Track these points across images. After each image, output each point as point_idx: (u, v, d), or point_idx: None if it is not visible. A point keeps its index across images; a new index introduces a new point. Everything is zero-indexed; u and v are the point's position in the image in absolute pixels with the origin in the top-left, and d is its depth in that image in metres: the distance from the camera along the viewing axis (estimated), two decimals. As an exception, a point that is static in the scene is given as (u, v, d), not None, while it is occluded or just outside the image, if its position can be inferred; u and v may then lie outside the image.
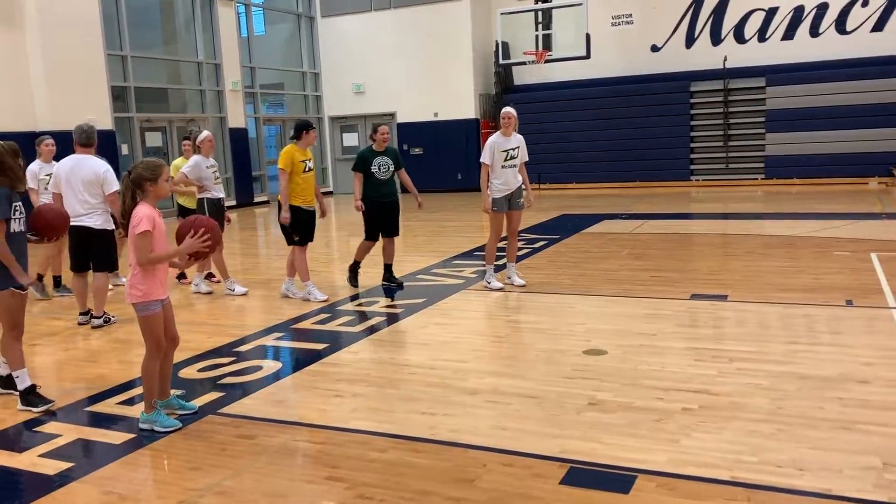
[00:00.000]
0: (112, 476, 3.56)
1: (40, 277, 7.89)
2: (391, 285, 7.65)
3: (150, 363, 4.08)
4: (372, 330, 6.04)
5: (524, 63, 17.62)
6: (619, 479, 3.27)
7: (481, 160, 7.24)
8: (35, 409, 4.42)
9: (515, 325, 6.14)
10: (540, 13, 16.77)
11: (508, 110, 7.26)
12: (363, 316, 6.51)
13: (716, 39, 18.03)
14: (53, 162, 7.46)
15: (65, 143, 7.55)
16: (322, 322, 6.36)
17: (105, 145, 12.15)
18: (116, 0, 15.21)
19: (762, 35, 17.65)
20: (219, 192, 7.75)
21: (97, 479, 3.52)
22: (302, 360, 5.32)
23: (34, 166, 7.75)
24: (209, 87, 17.53)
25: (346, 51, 20.53)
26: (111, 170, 6.47)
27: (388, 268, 7.77)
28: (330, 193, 21.32)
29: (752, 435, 3.66)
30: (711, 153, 18.08)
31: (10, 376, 4.66)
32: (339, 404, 4.37)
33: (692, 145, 18.20)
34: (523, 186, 7.44)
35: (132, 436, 4.01)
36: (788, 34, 17.45)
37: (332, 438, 3.88)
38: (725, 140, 17.78)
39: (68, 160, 6.35)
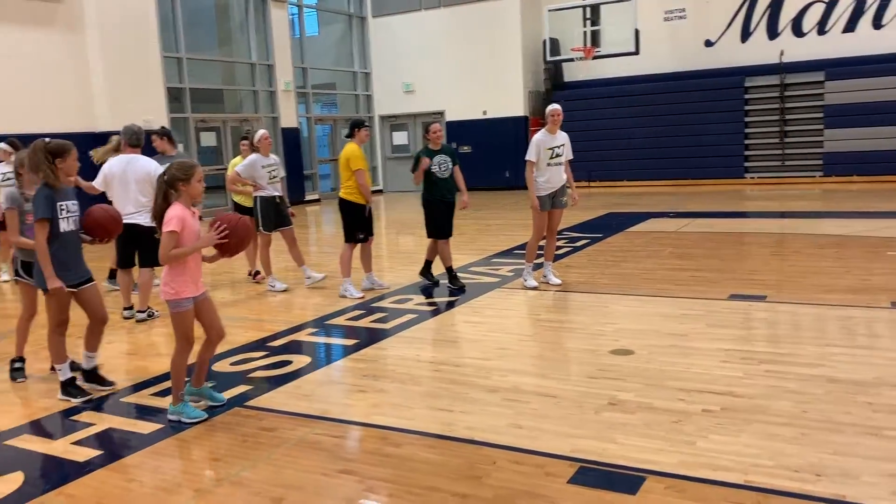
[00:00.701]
0: (137, 464, 3.70)
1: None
2: (455, 287, 7.38)
3: (179, 358, 4.22)
4: (403, 327, 6.10)
5: (571, 60, 17.46)
6: (628, 480, 3.24)
7: (527, 158, 7.21)
8: (73, 400, 4.61)
9: (545, 323, 6.12)
10: (588, 9, 16.61)
11: (555, 107, 7.20)
12: (396, 313, 6.57)
13: (772, 33, 17.53)
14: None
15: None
16: (355, 319, 6.45)
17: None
18: (172, 3, 15.65)
19: (822, 28, 17.08)
20: (274, 191, 7.79)
21: (123, 466, 3.66)
22: (331, 356, 5.43)
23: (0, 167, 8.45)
24: (262, 88, 17.89)
25: (397, 50, 20.68)
26: (161, 168, 6.69)
27: (433, 268, 7.68)
28: (380, 192, 21.53)
29: (772, 438, 3.58)
30: (767, 150, 17.60)
31: (94, 370, 4.85)
32: (362, 399, 4.44)
33: (747, 142, 17.75)
34: (567, 185, 7.38)
35: (161, 426, 4.15)
36: (850, 26, 16.85)
37: (350, 433, 3.96)
38: (781, 137, 17.29)
39: (119, 160, 6.57)
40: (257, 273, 8.32)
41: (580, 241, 10.08)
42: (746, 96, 17.60)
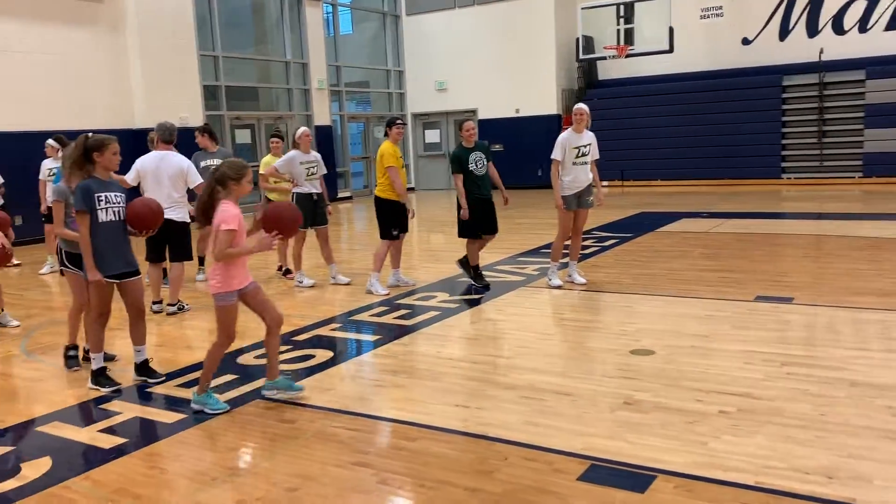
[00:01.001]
0: (161, 452, 3.82)
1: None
2: (477, 286, 7.38)
3: (217, 350, 4.34)
4: (426, 324, 6.16)
5: (604, 58, 17.36)
6: (637, 478, 3.26)
7: (552, 156, 7.20)
8: (102, 389, 4.76)
9: (567, 322, 6.13)
10: (622, 7, 16.49)
11: (582, 107, 7.21)
12: (420, 310, 6.63)
13: (812, 31, 17.24)
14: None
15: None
16: (379, 315, 6.53)
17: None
18: (209, 3, 15.93)
19: (863, 25, 16.75)
20: (311, 188, 7.85)
21: (146, 454, 3.78)
22: (353, 351, 5.51)
23: (45, 162, 8.92)
24: (296, 86, 18.10)
25: (430, 48, 20.77)
26: (192, 164, 6.88)
27: (476, 267, 7.52)
28: (412, 189, 21.63)
29: (787, 441, 3.56)
30: (805, 150, 17.31)
31: (144, 363, 4.95)
32: (380, 394, 4.51)
33: (784, 142, 17.47)
34: (593, 184, 7.35)
35: (185, 416, 4.27)
36: (892, 24, 16.50)
37: (367, 426, 4.02)
38: (820, 136, 16.99)
39: (153, 156, 6.73)
40: (287, 271, 8.43)
41: (608, 241, 10.04)
42: (784, 95, 17.35)
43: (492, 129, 19.93)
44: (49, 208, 8.84)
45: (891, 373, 4.41)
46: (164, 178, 6.54)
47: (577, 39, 17.42)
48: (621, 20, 16.40)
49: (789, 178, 17.41)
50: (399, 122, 7.49)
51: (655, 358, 4.93)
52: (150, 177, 6.54)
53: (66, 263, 5.09)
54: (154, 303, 6.96)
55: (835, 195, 14.85)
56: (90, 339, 4.90)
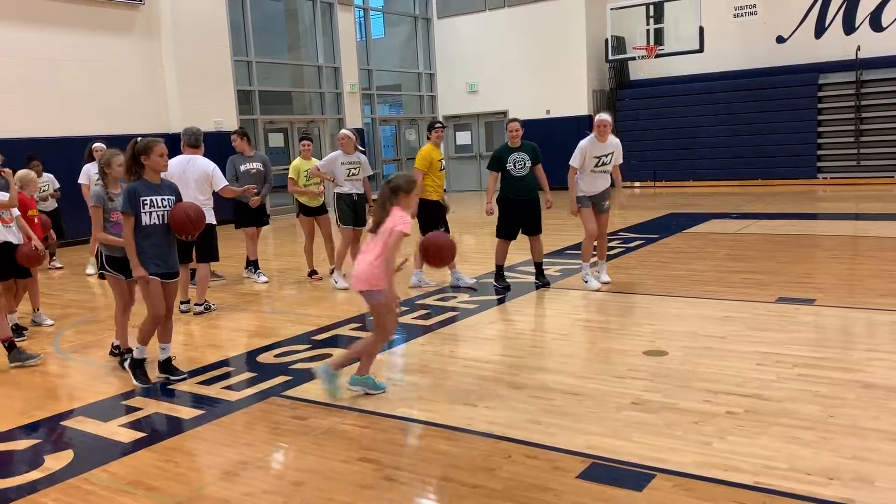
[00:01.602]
0: (176, 447, 3.95)
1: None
2: (540, 283, 7.42)
3: (377, 346, 4.61)
4: (443, 324, 6.23)
5: (633, 58, 17.27)
6: (636, 477, 3.28)
7: (570, 162, 7.18)
8: (134, 380, 4.94)
9: (583, 323, 6.14)
10: (651, 7, 16.39)
11: (604, 118, 7.07)
12: (438, 310, 6.70)
13: (849, 28, 16.91)
14: None
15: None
16: (398, 315, 6.60)
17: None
18: (243, 10, 16.22)
19: (902, 22, 16.39)
20: (353, 188, 7.83)
21: (162, 448, 3.91)
22: (370, 350, 5.57)
23: (89, 167, 9.01)
24: (328, 90, 18.32)
25: (461, 51, 20.85)
26: (217, 167, 7.05)
27: (537, 266, 7.52)
28: (444, 191, 21.69)
29: (792, 441, 3.56)
30: (841, 150, 17.00)
31: (167, 361, 5.04)
32: (392, 392, 4.59)
33: (819, 141, 17.18)
34: (612, 189, 7.30)
35: (202, 412, 4.40)
36: (932, 20, 16.12)
37: (376, 423, 4.11)
38: (857, 136, 16.66)
39: (179, 160, 6.91)
40: (313, 272, 8.50)
41: (634, 242, 10.00)
42: (820, 94, 17.07)
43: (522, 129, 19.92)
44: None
45: (905, 375, 4.36)
46: (191, 181, 6.71)
47: (606, 40, 17.34)
48: (651, 20, 16.29)
49: (825, 178, 17.11)
50: (439, 125, 7.67)
51: (668, 359, 4.94)
52: (175, 180, 6.69)
53: (106, 266, 5.22)
54: (182, 303, 7.14)
55: (872, 195, 14.56)
56: (141, 329, 4.93)
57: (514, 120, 7.46)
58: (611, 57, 17.55)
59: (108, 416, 4.42)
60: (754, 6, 17.86)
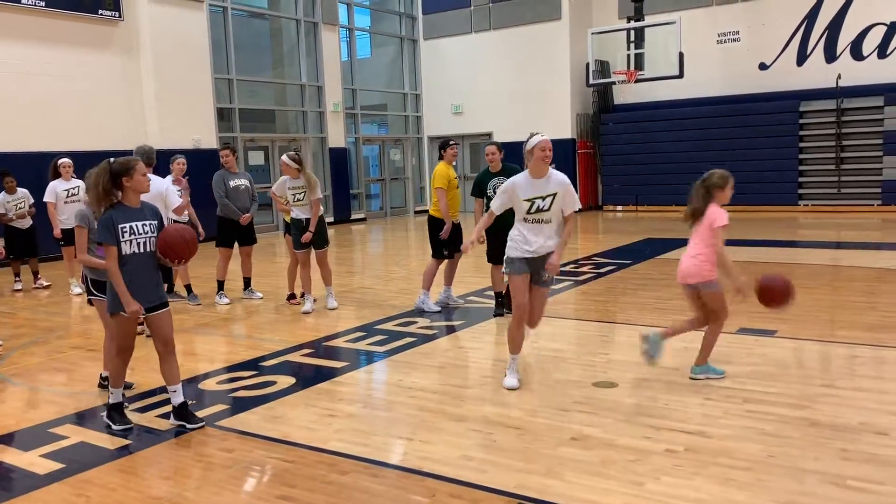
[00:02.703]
0: (91, 479, 3.78)
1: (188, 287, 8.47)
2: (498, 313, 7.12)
3: (716, 336, 5.02)
4: (397, 350, 6.09)
5: (613, 83, 17.31)
6: (559, 520, 3.15)
7: (491, 205, 5.20)
8: (114, 426, 4.43)
9: (539, 352, 6.00)
10: (632, 32, 16.44)
11: (539, 141, 4.93)
12: (396, 336, 6.56)
13: (830, 56, 16.97)
14: (73, 179, 8.87)
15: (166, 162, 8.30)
16: (354, 340, 6.48)
17: (212, 161, 12.41)
18: (225, 28, 16.19)
19: (882, 51, 16.44)
20: (299, 213, 7.67)
21: (77, 481, 3.75)
22: (315, 378, 5.43)
23: (55, 184, 8.96)
24: (311, 109, 18.27)
25: (446, 72, 20.87)
26: (171, 186, 6.95)
27: (497, 296, 7.21)
28: (426, 212, 21.65)
29: (726, 483, 3.42)
30: (822, 177, 17.00)
31: (183, 405, 4.46)
32: (328, 424, 4.44)
33: (801, 168, 17.17)
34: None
35: (128, 442, 4.25)
36: (913, 50, 16.19)
37: (303, 458, 3.95)
38: (838, 163, 16.67)
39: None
40: (292, 296, 8.31)
41: (606, 268, 9.90)
42: (801, 121, 17.08)
43: (507, 151, 19.84)
44: (63, 231, 8.91)
45: (853, 413, 4.24)
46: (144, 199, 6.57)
47: (587, 64, 17.36)
48: (631, 45, 16.33)
49: (806, 206, 17.09)
50: (453, 143, 7.59)
51: (617, 391, 4.81)
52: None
53: (94, 291, 4.84)
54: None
55: (852, 223, 14.53)
56: (110, 372, 4.58)
57: (492, 143, 7.21)
58: (591, 81, 17.56)
59: (31, 446, 4.26)
60: (737, 33, 17.92)
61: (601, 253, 11.36)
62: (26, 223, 9.68)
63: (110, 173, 4.23)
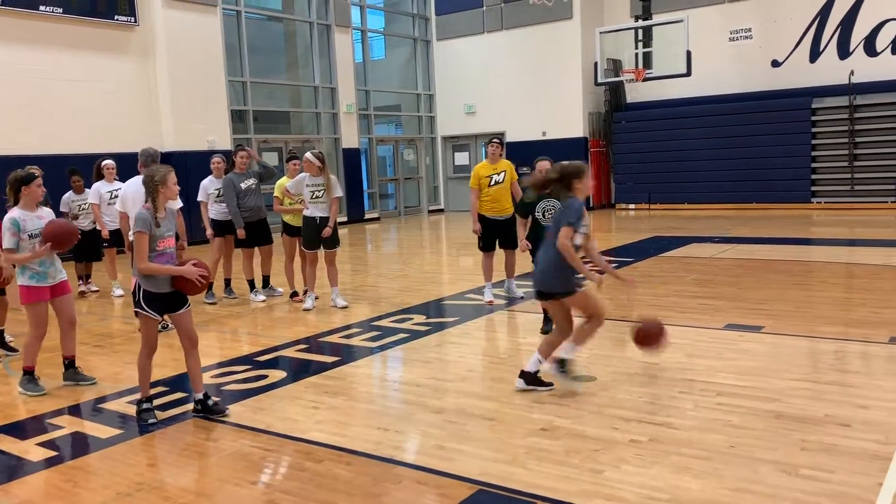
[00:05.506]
0: (82, 466, 3.99)
1: (210, 285, 8.63)
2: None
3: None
4: (389, 346, 6.25)
5: (622, 81, 17.34)
6: (515, 505, 3.29)
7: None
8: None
9: (524, 347, 6.13)
10: (640, 31, 16.47)
11: (544, 162, 6.11)
12: (389, 332, 6.72)
13: (843, 52, 16.87)
14: (116, 181, 8.73)
15: (186, 162, 8.39)
16: (349, 336, 6.66)
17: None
18: (238, 31, 16.47)
19: (896, 47, 16.33)
20: (316, 211, 7.74)
21: (67, 468, 3.96)
22: (306, 372, 5.61)
23: (99, 185, 8.89)
24: (325, 110, 18.51)
25: (459, 72, 21.01)
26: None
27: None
28: (441, 211, 21.86)
29: (683, 472, 3.54)
30: (835, 174, 16.91)
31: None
32: (311, 416, 4.61)
33: (814, 165, 17.10)
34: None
35: (119, 431, 4.45)
36: (927, 45, 16.04)
37: (283, 447, 4.13)
38: (851, 160, 16.57)
39: (135, 181, 7.00)
40: (294, 293, 8.50)
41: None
42: (814, 118, 17.00)
43: (520, 151, 19.99)
44: (111, 233, 8.89)
45: (819, 405, 4.33)
46: (143, 201, 6.78)
47: (595, 63, 17.41)
48: (639, 44, 16.35)
49: (819, 203, 17.01)
50: (496, 140, 7.81)
51: (594, 385, 4.93)
52: (129, 201, 6.82)
53: (143, 304, 4.50)
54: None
55: (865, 220, 14.46)
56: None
57: (544, 159, 6.45)
58: (600, 80, 17.61)
59: (28, 435, 4.48)
60: (749, 30, 17.87)
61: (606, 251, 11.41)
62: (87, 224, 9.30)
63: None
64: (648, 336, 4.84)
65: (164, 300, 4.53)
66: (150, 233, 4.44)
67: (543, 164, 6.03)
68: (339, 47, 18.51)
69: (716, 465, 3.60)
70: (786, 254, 10.60)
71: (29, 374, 5.32)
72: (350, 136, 18.97)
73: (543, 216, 6.23)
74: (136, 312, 4.67)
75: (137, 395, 5.07)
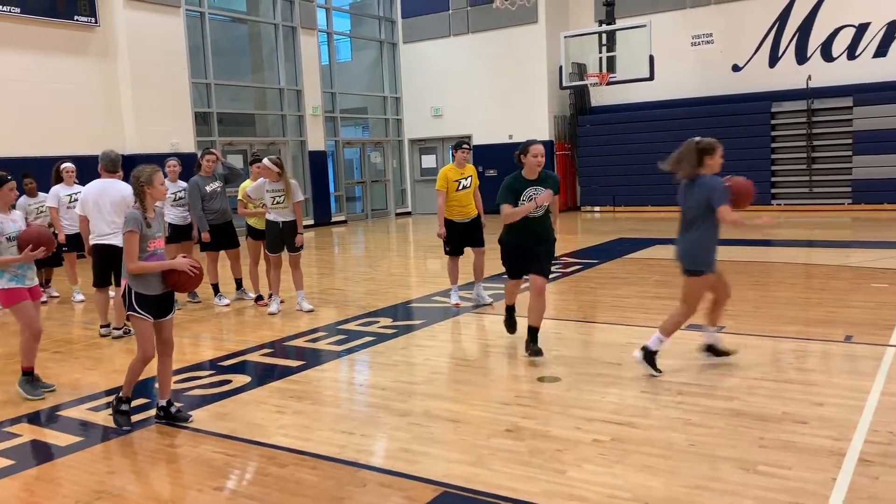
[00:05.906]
0: (40, 475, 3.93)
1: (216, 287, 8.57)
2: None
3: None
4: (355, 349, 6.24)
5: (586, 85, 17.53)
6: (479, 506, 3.31)
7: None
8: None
9: (490, 349, 6.17)
10: (604, 36, 16.66)
11: (539, 147, 5.90)
12: (356, 335, 6.70)
13: (801, 58, 17.24)
14: (76, 185, 8.58)
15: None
16: (314, 340, 6.63)
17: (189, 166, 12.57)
18: (202, 32, 16.31)
19: (851, 53, 16.73)
20: (278, 216, 7.73)
21: (24, 477, 3.89)
22: (271, 376, 5.58)
23: (58, 189, 8.75)
24: (290, 113, 18.40)
25: (426, 75, 21.04)
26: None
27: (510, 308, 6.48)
28: (408, 214, 21.86)
29: (643, 470, 3.59)
30: (794, 176, 17.27)
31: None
32: (275, 420, 4.58)
33: (773, 168, 17.44)
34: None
35: (79, 439, 4.38)
36: (881, 51, 16.46)
37: (246, 452, 4.10)
38: (809, 163, 16.94)
39: (95, 184, 6.90)
40: (259, 297, 8.43)
41: (572, 268, 10.08)
42: (773, 122, 17.34)
43: (486, 153, 20.10)
44: (67, 237, 8.76)
45: (776, 403, 4.42)
46: (107, 205, 6.69)
47: (560, 67, 17.57)
48: (603, 48, 16.54)
49: (779, 205, 17.35)
50: (465, 146, 7.73)
51: (558, 385, 4.98)
52: (90, 204, 6.71)
53: (135, 306, 4.41)
54: (102, 326, 7.12)
55: (823, 222, 14.78)
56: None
57: (537, 143, 6.07)
58: (565, 84, 17.77)
59: (-16, 444, 4.39)
60: (711, 35, 18.15)
61: (571, 253, 11.54)
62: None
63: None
64: (741, 193, 5.41)
65: (156, 302, 4.47)
66: (140, 232, 4.37)
67: (537, 148, 5.89)
68: (304, 49, 18.43)
69: (677, 463, 3.67)
70: (745, 255, 10.78)
71: (28, 375, 5.26)
72: (316, 139, 18.88)
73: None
74: (128, 316, 4.61)
75: (102, 400, 5.03)
